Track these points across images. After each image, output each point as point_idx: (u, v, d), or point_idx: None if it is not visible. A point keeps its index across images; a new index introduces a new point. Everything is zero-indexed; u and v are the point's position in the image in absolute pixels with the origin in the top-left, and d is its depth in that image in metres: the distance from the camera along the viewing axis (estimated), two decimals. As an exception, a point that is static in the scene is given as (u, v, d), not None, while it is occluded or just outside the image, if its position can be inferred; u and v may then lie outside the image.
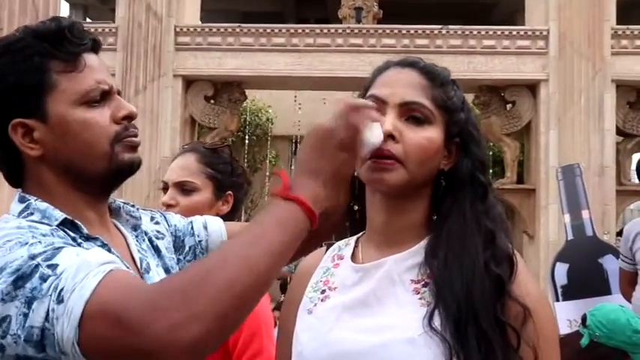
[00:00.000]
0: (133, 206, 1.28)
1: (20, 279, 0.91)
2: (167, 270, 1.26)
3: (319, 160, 0.99)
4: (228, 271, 0.88)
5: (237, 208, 2.03)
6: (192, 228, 1.39)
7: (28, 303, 0.90)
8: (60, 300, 0.88)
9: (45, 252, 0.94)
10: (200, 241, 1.38)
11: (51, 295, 0.89)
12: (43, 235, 0.99)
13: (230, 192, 1.99)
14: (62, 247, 0.95)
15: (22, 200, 1.10)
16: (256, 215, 1.01)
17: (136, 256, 1.19)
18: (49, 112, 1.09)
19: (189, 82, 8.92)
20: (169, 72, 8.70)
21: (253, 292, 0.90)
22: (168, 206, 1.91)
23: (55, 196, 1.10)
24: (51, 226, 1.04)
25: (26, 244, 0.95)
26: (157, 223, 1.34)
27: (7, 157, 1.12)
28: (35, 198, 1.09)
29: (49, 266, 0.92)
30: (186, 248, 1.36)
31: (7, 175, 1.16)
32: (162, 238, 1.31)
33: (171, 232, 1.35)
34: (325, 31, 8.92)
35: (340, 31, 8.97)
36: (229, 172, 2.00)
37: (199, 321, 0.84)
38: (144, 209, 1.35)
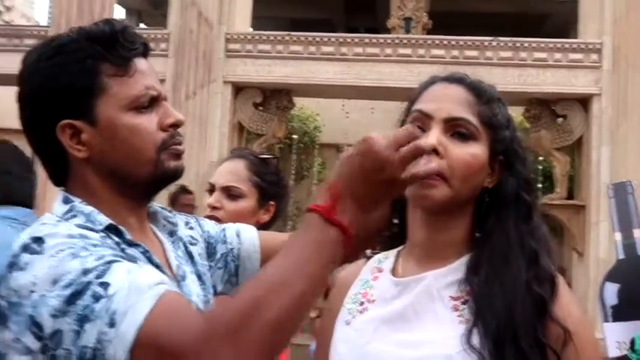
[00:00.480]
0: (170, 212, 1.28)
1: (73, 296, 0.91)
2: (199, 276, 1.25)
3: (366, 187, 0.92)
4: (275, 304, 0.88)
5: (276, 218, 2.05)
6: (224, 235, 1.38)
7: (80, 321, 0.90)
8: (112, 323, 0.89)
9: (97, 267, 0.93)
10: (232, 249, 1.37)
11: (103, 318, 0.89)
12: (94, 246, 0.98)
13: (273, 202, 2.01)
14: (113, 262, 0.95)
15: (66, 201, 1.10)
16: (298, 229, 0.99)
17: (173, 263, 1.19)
18: (98, 116, 1.09)
19: (238, 88, 9.01)
20: (219, 78, 8.80)
21: (295, 321, 0.91)
22: (213, 208, 1.94)
23: (99, 200, 1.10)
24: (96, 230, 1.04)
25: (79, 256, 0.95)
26: (191, 228, 1.33)
27: (53, 156, 1.12)
28: (80, 200, 1.09)
29: (101, 284, 0.91)
30: (218, 255, 1.35)
31: (51, 174, 1.16)
32: (196, 244, 1.30)
33: (205, 239, 1.34)
34: (374, 40, 8.92)
35: (389, 41, 8.96)
36: (275, 183, 2.03)
37: (247, 357, 0.86)
38: (179, 214, 1.35)
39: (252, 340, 0.86)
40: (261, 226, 1.93)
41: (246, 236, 1.39)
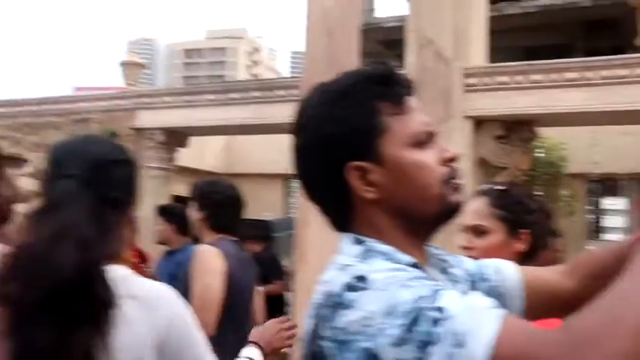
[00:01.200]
0: (438, 248, 1.26)
1: (412, 323, 0.91)
2: None
3: None
4: (634, 314, 0.82)
5: (538, 246, 2.02)
6: (483, 272, 1.32)
7: (422, 347, 0.90)
8: (459, 344, 0.88)
9: (427, 295, 0.93)
10: (493, 287, 1.29)
11: (447, 340, 0.88)
12: (417, 278, 0.98)
13: (525, 230, 1.99)
14: (439, 290, 0.95)
15: (358, 242, 1.10)
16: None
17: None
18: (383, 155, 1.10)
19: (478, 122, 8.95)
20: (458, 113, 8.81)
21: None
22: (465, 248, 1.99)
23: (388, 240, 1.10)
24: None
25: (407, 286, 0.95)
26: (452, 266, 1.28)
27: (336, 201, 1.14)
28: (374, 240, 1.09)
29: (436, 309, 0.91)
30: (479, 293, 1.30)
31: (332, 219, 1.18)
32: (459, 282, 1.25)
33: (466, 277, 1.30)
34: (622, 61, 8.38)
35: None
36: (522, 211, 2.02)
37: None
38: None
39: (619, 348, 0.81)
40: (523, 255, 1.95)
41: (507, 273, 1.33)
